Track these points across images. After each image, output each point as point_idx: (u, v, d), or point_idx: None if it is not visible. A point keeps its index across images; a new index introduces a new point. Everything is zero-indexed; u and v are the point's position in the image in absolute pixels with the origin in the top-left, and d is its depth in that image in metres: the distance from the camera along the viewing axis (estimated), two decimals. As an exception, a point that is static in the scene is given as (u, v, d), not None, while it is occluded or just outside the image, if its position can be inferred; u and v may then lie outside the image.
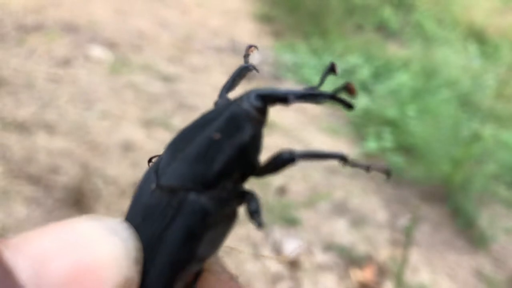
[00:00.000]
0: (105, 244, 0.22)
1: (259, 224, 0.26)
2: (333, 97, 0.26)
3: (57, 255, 0.21)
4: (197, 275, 0.26)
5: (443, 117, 2.44)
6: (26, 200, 1.62)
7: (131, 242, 0.23)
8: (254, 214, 0.26)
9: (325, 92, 0.26)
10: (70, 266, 0.20)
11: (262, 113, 0.26)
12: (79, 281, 0.20)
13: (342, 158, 0.28)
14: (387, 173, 0.29)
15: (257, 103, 0.26)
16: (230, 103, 0.26)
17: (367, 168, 0.29)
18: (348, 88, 0.25)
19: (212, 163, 0.25)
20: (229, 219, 0.26)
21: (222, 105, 0.27)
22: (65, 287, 0.20)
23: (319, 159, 0.28)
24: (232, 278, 0.26)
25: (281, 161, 0.27)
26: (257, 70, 0.31)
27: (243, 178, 0.27)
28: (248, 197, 0.26)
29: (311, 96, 0.26)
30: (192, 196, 0.24)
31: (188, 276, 0.25)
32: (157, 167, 0.26)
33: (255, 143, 0.26)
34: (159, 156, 0.27)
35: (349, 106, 0.27)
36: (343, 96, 0.26)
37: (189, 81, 2.55)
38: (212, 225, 0.25)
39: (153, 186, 0.25)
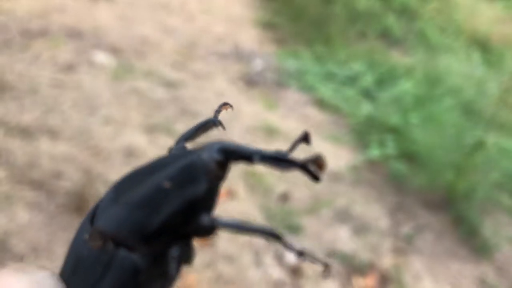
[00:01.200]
0: None
1: (171, 271, 0.23)
2: (302, 167, 0.24)
3: None
4: None
5: (446, 125, 2.43)
6: (28, 205, 1.62)
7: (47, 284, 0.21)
8: (172, 259, 0.23)
9: (294, 161, 0.24)
10: None
11: (222, 168, 0.24)
12: None
13: (274, 236, 0.25)
14: (326, 267, 0.25)
15: (219, 157, 0.24)
16: (189, 151, 0.24)
17: (301, 254, 0.25)
18: (317, 162, 0.23)
19: (155, 213, 0.22)
20: (165, 278, 0.23)
21: (179, 152, 0.24)
22: None
23: (245, 233, 0.24)
24: None
25: (198, 227, 0.23)
26: (223, 127, 0.28)
27: (188, 236, 0.24)
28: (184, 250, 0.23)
29: (279, 161, 0.24)
30: (123, 252, 0.22)
31: None
32: (93, 213, 0.23)
33: (208, 199, 0.23)
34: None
35: (316, 179, 0.24)
36: (312, 167, 0.23)
37: (192, 88, 2.56)
38: (143, 284, 0.22)
39: (86, 236, 0.22)
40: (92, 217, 0.23)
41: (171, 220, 0.22)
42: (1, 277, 0.20)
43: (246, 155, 0.25)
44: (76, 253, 0.23)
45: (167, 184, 0.22)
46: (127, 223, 0.22)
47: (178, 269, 0.23)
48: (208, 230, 0.24)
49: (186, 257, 0.23)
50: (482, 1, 4.34)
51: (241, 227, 0.23)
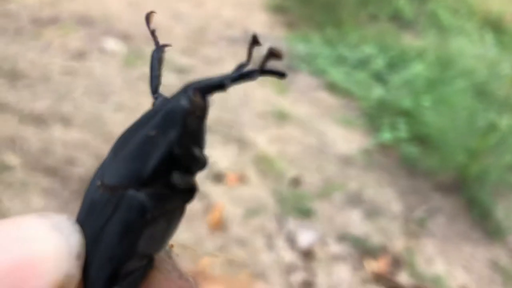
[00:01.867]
0: (46, 240, 0.22)
1: (174, 209, 0.25)
2: (263, 71, 0.25)
3: None
4: (145, 273, 0.25)
5: (458, 107, 2.41)
6: (43, 191, 1.64)
7: (74, 238, 0.23)
8: (173, 198, 0.25)
9: (255, 69, 0.25)
10: (10, 259, 0.21)
11: (202, 106, 0.25)
12: (18, 275, 0.21)
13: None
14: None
15: (195, 97, 0.25)
16: (168, 100, 0.26)
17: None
18: (273, 54, 0.24)
19: (147, 160, 0.24)
20: (171, 216, 0.25)
21: (160, 103, 0.26)
22: (4, 279, 0.21)
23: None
24: (182, 277, 0.25)
25: (193, 162, 0.25)
26: (168, 45, 0.28)
27: (190, 173, 0.25)
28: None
29: (244, 75, 0.25)
30: (130, 192, 0.24)
31: (135, 274, 0.25)
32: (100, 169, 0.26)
33: (194, 137, 0.25)
34: None
35: (281, 75, 0.25)
36: (272, 65, 0.24)
37: (202, 73, 2.55)
38: (150, 221, 0.24)
39: (98, 182, 0.25)
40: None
41: (162, 162, 0.24)
42: (22, 221, 0.23)
43: (218, 85, 0.25)
44: (89, 198, 0.25)
45: (152, 133, 0.24)
46: (126, 175, 0.24)
47: (180, 208, 0.25)
48: (202, 160, 0.25)
49: (188, 196, 0.25)
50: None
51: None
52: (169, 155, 0.24)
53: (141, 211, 0.24)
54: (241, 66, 0.25)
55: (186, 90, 0.25)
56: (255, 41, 0.25)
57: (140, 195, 0.24)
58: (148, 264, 0.25)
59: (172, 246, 0.27)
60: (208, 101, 0.26)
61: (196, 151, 0.25)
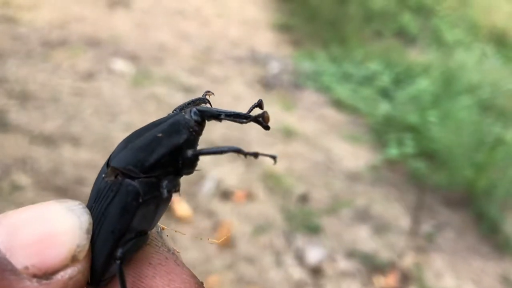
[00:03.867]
0: (63, 218, 0.29)
1: (163, 195, 0.32)
2: (254, 119, 0.34)
3: (25, 225, 0.28)
4: (138, 243, 0.32)
5: (464, 122, 2.42)
6: (53, 211, 1.66)
7: (84, 217, 0.30)
8: (163, 186, 0.32)
9: (249, 115, 0.34)
10: (35, 233, 0.28)
11: (199, 125, 0.34)
12: (42, 244, 0.28)
13: (236, 150, 0.33)
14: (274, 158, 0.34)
15: (196, 117, 0.34)
16: (177, 114, 0.34)
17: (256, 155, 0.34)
18: (265, 116, 0.33)
19: (152, 153, 0.32)
20: (159, 200, 0.32)
21: (171, 115, 0.34)
22: (29, 248, 0.28)
23: (218, 153, 0.33)
24: (169, 251, 0.33)
25: (184, 160, 0.33)
26: (210, 103, 0.37)
27: (178, 172, 0.33)
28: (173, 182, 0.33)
29: (238, 116, 0.34)
30: (128, 180, 0.31)
31: (131, 247, 0.31)
32: (108, 159, 0.33)
33: (188, 147, 0.33)
34: None
35: (266, 128, 0.34)
36: (261, 120, 0.34)
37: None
38: (142, 204, 0.31)
39: (104, 175, 0.32)
40: (108, 162, 0.32)
41: (162, 157, 0.32)
42: (44, 205, 0.30)
43: (215, 115, 0.34)
44: (97, 187, 0.32)
45: (160, 134, 0.32)
46: (132, 160, 0.31)
47: (168, 194, 0.32)
48: (191, 159, 0.33)
49: (174, 185, 0.32)
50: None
51: (213, 150, 0.33)
52: (169, 154, 0.32)
53: (135, 195, 0.31)
54: (238, 114, 0.34)
55: (191, 109, 0.34)
56: (259, 105, 0.35)
57: (135, 183, 0.31)
58: (142, 237, 0.32)
59: (163, 228, 0.35)
60: (204, 122, 0.34)
61: (188, 156, 0.33)
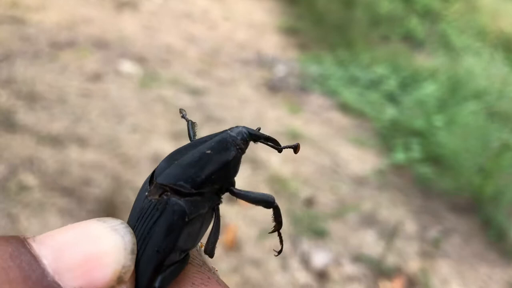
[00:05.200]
0: (107, 238, 0.29)
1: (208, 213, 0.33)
2: (287, 147, 0.37)
3: (71, 246, 0.28)
4: (182, 265, 0.32)
5: (471, 128, 2.41)
6: (60, 211, 1.66)
7: (128, 237, 0.29)
8: (209, 205, 0.33)
9: (284, 146, 0.37)
10: (80, 254, 0.28)
11: (244, 143, 0.35)
12: (87, 266, 0.28)
13: (270, 203, 0.37)
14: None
15: (245, 136, 0.35)
16: (221, 132, 0.35)
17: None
18: (297, 147, 0.37)
19: (203, 169, 0.32)
20: (203, 218, 0.32)
21: (216, 134, 0.35)
22: (76, 270, 0.27)
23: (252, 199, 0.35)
24: (210, 270, 0.32)
25: (228, 186, 0.34)
26: (188, 121, 0.39)
27: (220, 190, 0.34)
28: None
29: (275, 142, 0.37)
30: (173, 199, 0.31)
31: (175, 265, 0.31)
32: (150, 177, 0.32)
33: (235, 164, 0.34)
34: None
35: (295, 152, 0.37)
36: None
37: (216, 94, 2.59)
38: (188, 222, 0.31)
39: (147, 193, 0.31)
40: (150, 180, 0.32)
41: (212, 175, 0.32)
42: (88, 224, 0.29)
43: (258, 137, 0.36)
44: (139, 206, 0.32)
45: (209, 151, 0.32)
46: (183, 176, 0.31)
47: (213, 213, 0.33)
48: (228, 190, 0.34)
49: (219, 203, 0.33)
50: (507, 2, 4.29)
51: (248, 196, 0.34)
52: (218, 170, 0.32)
53: (182, 214, 0.31)
54: (276, 141, 0.37)
55: (238, 129, 0.35)
56: (295, 149, 0.37)
57: (181, 202, 0.31)
58: (185, 258, 0.32)
59: (202, 245, 0.34)
60: (249, 142, 0.36)
61: (232, 175, 0.34)
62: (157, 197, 0.31)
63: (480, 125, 2.43)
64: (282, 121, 2.46)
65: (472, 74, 2.99)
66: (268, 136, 0.36)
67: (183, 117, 0.38)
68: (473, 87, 2.84)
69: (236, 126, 0.35)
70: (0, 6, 3.01)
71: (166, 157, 0.33)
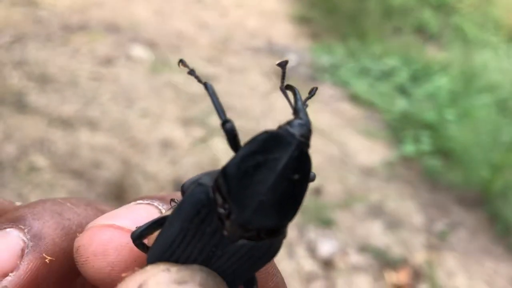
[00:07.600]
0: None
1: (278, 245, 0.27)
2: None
3: None
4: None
5: (482, 122, 2.40)
6: (70, 193, 1.68)
7: (211, 283, 0.24)
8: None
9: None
10: None
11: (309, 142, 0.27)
12: None
13: None
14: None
15: (306, 133, 0.27)
16: (287, 133, 0.27)
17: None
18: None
19: (297, 200, 0.26)
20: (271, 251, 0.27)
21: (277, 136, 0.27)
22: None
23: None
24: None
25: None
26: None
27: None
28: None
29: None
30: (280, 238, 0.26)
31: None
32: (217, 211, 0.25)
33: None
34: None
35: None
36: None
37: (226, 82, 2.59)
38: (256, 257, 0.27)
39: (227, 233, 0.25)
40: (222, 219, 0.25)
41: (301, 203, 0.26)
42: (148, 276, 0.23)
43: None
44: (204, 241, 0.26)
45: (296, 176, 0.25)
46: (285, 216, 0.25)
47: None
48: None
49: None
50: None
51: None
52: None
53: (277, 252, 0.26)
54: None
55: (300, 129, 0.27)
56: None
57: (281, 238, 0.26)
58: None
59: None
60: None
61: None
62: (245, 242, 0.25)
63: (492, 119, 2.42)
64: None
65: (485, 67, 2.96)
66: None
67: (190, 73, 0.29)
68: (485, 81, 2.82)
69: (299, 124, 0.27)
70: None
71: (237, 182, 0.25)
